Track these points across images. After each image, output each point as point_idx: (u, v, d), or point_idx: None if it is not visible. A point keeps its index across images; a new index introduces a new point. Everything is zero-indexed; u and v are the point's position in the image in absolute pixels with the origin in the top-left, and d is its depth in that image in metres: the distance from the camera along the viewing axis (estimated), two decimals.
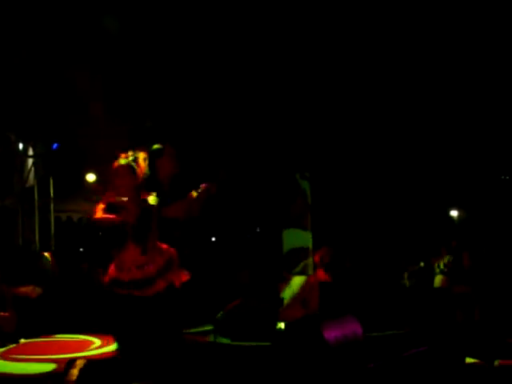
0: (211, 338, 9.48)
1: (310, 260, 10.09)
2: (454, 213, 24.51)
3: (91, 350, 9.27)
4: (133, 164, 5.79)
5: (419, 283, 13.82)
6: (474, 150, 20.70)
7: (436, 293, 12.77)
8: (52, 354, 8.94)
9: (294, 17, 15.17)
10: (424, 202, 21.28)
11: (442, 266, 13.19)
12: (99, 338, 9.95)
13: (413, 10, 16.03)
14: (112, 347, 8.98)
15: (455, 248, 13.34)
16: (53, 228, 13.76)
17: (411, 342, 7.63)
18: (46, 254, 11.91)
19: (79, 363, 5.85)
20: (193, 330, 9.97)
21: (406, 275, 14.74)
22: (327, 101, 16.84)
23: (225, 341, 9.16)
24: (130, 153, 5.91)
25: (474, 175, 21.94)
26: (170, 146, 7.71)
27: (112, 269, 5.71)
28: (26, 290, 7.07)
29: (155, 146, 7.69)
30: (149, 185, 7.44)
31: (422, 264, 14.83)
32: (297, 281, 9.97)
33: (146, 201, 5.83)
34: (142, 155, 8.37)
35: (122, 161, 5.79)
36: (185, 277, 6.04)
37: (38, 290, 6.98)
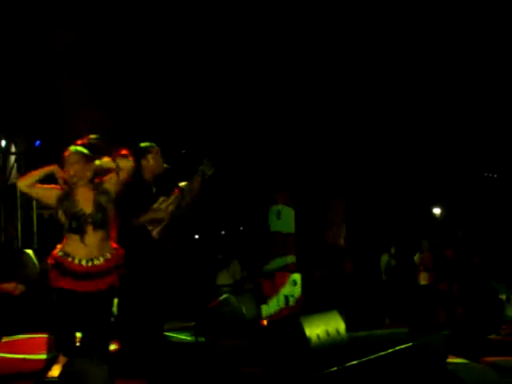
0: (192, 337, 9.48)
1: (293, 258, 10.07)
2: (436, 210, 24.59)
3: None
4: (85, 151, 5.76)
5: (401, 279, 13.85)
6: (457, 147, 20.78)
7: (420, 290, 12.81)
8: (35, 352, 8.93)
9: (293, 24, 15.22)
10: (407, 199, 21.34)
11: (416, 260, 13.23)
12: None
13: (413, 10, 16.09)
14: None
15: (438, 246, 13.38)
16: (35, 225, 13.71)
17: (393, 339, 7.65)
18: (28, 251, 11.84)
19: (61, 360, 5.81)
20: (173, 328, 9.98)
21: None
22: (309, 103, 16.89)
23: (206, 339, 9.16)
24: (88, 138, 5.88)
25: (457, 173, 22.02)
26: (156, 145, 7.71)
27: (59, 252, 5.66)
28: (8, 287, 7.01)
29: (141, 145, 7.68)
30: (134, 184, 7.44)
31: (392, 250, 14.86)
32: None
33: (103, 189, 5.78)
34: (123, 152, 8.34)
35: (73, 148, 5.77)
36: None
37: (21, 288, 6.93)
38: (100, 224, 5.61)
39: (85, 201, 5.64)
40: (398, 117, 19.05)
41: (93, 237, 5.59)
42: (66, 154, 5.74)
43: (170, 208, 7.48)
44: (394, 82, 18.01)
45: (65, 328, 5.68)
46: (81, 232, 5.56)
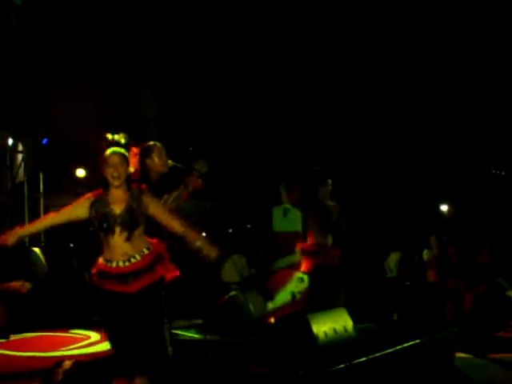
0: (200, 334, 9.48)
1: (298, 256, 10.07)
2: (444, 207, 24.54)
3: (84, 345, 9.28)
4: (125, 152, 5.76)
5: (412, 276, 13.84)
6: (464, 145, 20.75)
7: (428, 286, 12.80)
8: (42, 350, 8.95)
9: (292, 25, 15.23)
10: (414, 197, 21.30)
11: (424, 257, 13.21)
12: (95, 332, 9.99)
13: (413, 10, 16.09)
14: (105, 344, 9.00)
15: (444, 242, 13.37)
16: None
17: (402, 335, 7.63)
18: (35, 249, 11.87)
19: (66, 364, 5.82)
20: (182, 326, 9.98)
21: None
22: (317, 100, 16.88)
23: (214, 337, 9.15)
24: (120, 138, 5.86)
25: (465, 170, 21.99)
26: (161, 144, 7.73)
27: (100, 261, 5.69)
28: (15, 285, 7.03)
29: (147, 145, 7.70)
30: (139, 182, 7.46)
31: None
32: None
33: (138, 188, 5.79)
34: (134, 150, 8.39)
35: (115, 149, 5.74)
36: (174, 273, 6.00)
37: (28, 286, 6.94)
38: (128, 224, 5.61)
39: (117, 202, 5.65)
40: (407, 115, 19.04)
41: (123, 237, 5.60)
42: (107, 154, 5.70)
43: (173, 203, 7.51)
44: (402, 81, 18.00)
45: (116, 333, 5.69)
46: (110, 232, 5.57)
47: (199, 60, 15.42)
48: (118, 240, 5.60)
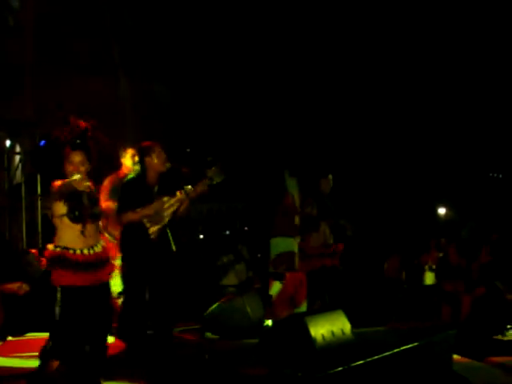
0: (199, 335, 9.46)
1: (296, 257, 10.09)
2: (441, 210, 24.54)
3: None
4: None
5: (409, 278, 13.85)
6: (462, 148, 20.76)
7: (425, 289, 12.81)
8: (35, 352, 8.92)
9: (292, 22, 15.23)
10: (412, 199, 21.30)
11: (430, 264, 13.22)
12: None
13: (413, 10, 16.10)
14: None
15: (443, 245, 13.37)
16: (40, 225, 13.70)
17: (399, 338, 7.63)
18: (33, 251, 11.86)
19: (53, 364, 5.82)
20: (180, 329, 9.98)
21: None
22: (318, 101, 16.88)
23: (212, 337, 9.15)
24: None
25: (463, 173, 22.00)
26: (159, 143, 7.77)
27: (53, 248, 5.73)
28: (12, 286, 7.03)
29: (147, 144, 7.74)
30: (136, 181, 7.49)
31: None
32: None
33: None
34: (130, 151, 8.41)
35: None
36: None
37: (25, 287, 6.94)
38: (97, 216, 5.73)
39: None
40: (404, 117, 19.05)
41: (90, 227, 5.68)
42: (67, 152, 5.81)
43: (171, 210, 7.52)
44: (399, 83, 18.01)
45: (69, 329, 5.68)
46: (82, 221, 5.62)
47: (198, 62, 15.42)
48: (87, 229, 5.67)
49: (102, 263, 5.77)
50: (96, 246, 5.77)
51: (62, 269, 5.60)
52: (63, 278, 5.60)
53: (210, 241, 17.14)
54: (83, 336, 5.71)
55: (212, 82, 15.64)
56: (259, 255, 15.22)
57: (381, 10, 16.11)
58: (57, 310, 5.64)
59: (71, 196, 5.64)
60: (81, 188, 5.54)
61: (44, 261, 5.78)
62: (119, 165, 8.91)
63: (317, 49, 16.26)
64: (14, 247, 13.09)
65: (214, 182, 7.45)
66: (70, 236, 5.67)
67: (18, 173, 13.75)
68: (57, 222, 5.68)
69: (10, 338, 10.05)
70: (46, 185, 13.88)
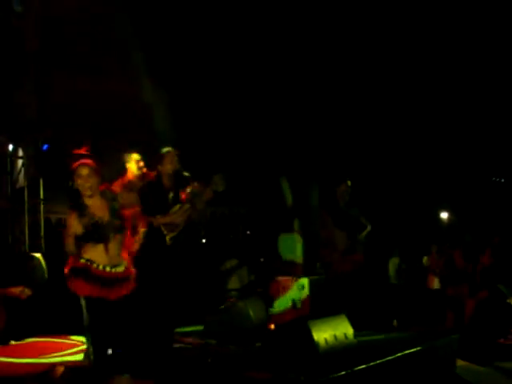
0: (202, 339, 9.46)
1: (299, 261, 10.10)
2: (444, 215, 24.53)
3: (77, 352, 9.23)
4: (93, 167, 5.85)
5: (411, 283, 13.83)
6: (464, 152, 20.75)
7: (429, 293, 12.80)
8: (42, 356, 8.92)
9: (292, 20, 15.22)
10: (414, 203, 21.28)
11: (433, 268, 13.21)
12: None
13: (413, 10, 16.08)
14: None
15: (447, 250, 13.35)
16: (42, 229, 13.71)
17: (402, 342, 7.63)
18: (35, 255, 11.85)
19: (58, 370, 5.84)
20: (182, 331, 9.97)
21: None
22: (318, 105, 16.87)
23: (214, 343, 9.14)
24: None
25: (465, 177, 21.98)
26: (173, 147, 7.81)
27: (77, 260, 5.75)
28: (15, 291, 7.03)
29: (161, 153, 7.79)
30: (153, 188, 7.53)
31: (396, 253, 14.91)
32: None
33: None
34: (134, 156, 8.43)
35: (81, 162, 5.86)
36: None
37: (28, 292, 6.94)
38: (119, 229, 5.73)
39: (98, 210, 5.74)
40: (406, 122, 19.04)
41: (114, 243, 5.70)
42: (76, 167, 5.82)
43: (185, 216, 7.57)
44: (401, 89, 18.01)
45: (102, 335, 5.73)
46: (103, 240, 5.66)
47: (198, 66, 15.42)
48: (110, 245, 5.69)
49: (121, 282, 5.80)
50: (119, 265, 5.81)
51: (82, 280, 5.66)
52: (82, 289, 5.66)
53: (213, 245, 17.15)
54: (114, 339, 5.78)
55: (214, 84, 15.63)
56: (262, 259, 15.21)
57: (381, 9, 16.09)
58: (84, 315, 5.71)
59: (87, 220, 5.67)
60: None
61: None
62: (124, 170, 8.90)
63: (320, 54, 16.25)
64: (17, 251, 13.09)
65: (219, 191, 7.49)
66: (94, 251, 5.73)
67: (21, 177, 13.73)
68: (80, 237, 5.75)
69: (12, 342, 10.05)
70: (49, 189, 13.90)
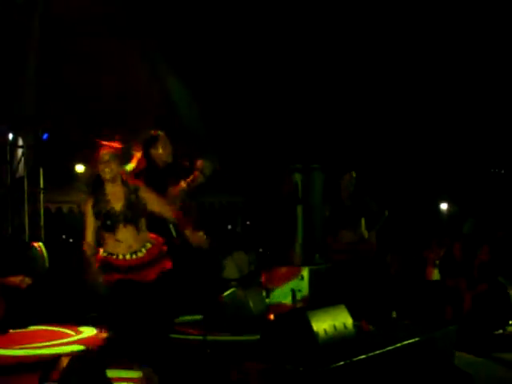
0: (201, 329, 9.46)
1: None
2: (443, 206, 24.52)
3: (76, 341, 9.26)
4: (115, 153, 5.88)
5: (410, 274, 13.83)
6: (464, 143, 20.74)
7: (427, 285, 12.79)
8: (41, 345, 8.94)
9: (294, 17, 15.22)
10: (413, 195, 21.28)
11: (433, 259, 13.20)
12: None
13: (413, 10, 16.09)
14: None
15: (446, 242, 13.34)
16: (42, 219, 13.73)
17: (401, 333, 7.64)
18: (35, 244, 11.87)
19: (63, 360, 5.83)
20: (182, 320, 9.98)
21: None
22: (322, 98, 16.89)
23: (213, 333, 9.15)
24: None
25: (464, 169, 21.98)
26: (165, 134, 7.75)
27: (101, 253, 5.80)
28: (15, 280, 7.03)
29: (152, 134, 7.72)
30: (147, 172, 7.47)
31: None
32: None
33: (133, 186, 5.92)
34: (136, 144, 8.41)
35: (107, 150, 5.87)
36: (168, 265, 6.11)
37: (28, 281, 6.94)
38: (130, 220, 5.75)
39: (115, 199, 5.78)
40: (405, 114, 19.04)
41: (126, 232, 5.72)
42: (100, 153, 5.85)
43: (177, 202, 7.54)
44: (399, 80, 18.01)
45: (122, 318, 5.75)
46: (113, 229, 5.69)
47: (199, 58, 15.42)
48: (121, 235, 5.72)
49: (145, 266, 5.81)
50: (140, 250, 5.81)
51: (106, 272, 5.70)
52: (109, 278, 5.71)
53: (212, 235, 17.16)
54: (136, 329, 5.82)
55: (214, 75, 15.62)
56: (261, 249, 15.23)
57: (381, 9, 16.11)
58: (110, 303, 5.76)
59: (102, 206, 5.71)
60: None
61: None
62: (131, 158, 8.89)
63: (321, 48, 16.26)
64: (17, 240, 13.11)
65: (206, 175, 7.44)
66: (110, 242, 5.79)
67: (21, 166, 13.75)
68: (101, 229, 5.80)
69: (11, 330, 10.07)
70: (49, 178, 13.91)
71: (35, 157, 13.73)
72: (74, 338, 9.42)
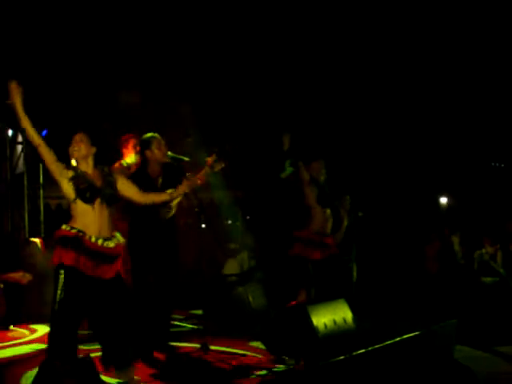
0: (201, 324, 9.48)
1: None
2: (443, 200, 24.51)
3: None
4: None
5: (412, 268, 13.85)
6: (464, 137, 20.74)
7: (428, 278, 12.82)
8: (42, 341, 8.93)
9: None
10: (412, 189, 21.28)
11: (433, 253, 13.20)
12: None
13: (413, 10, 16.09)
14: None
15: (446, 235, 13.37)
16: (42, 215, 13.74)
17: (401, 327, 7.65)
18: (35, 240, 11.89)
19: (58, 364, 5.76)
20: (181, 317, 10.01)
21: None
22: (320, 93, 16.89)
23: (213, 328, 9.16)
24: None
25: (465, 163, 21.97)
26: (160, 135, 7.77)
27: (69, 229, 5.68)
28: (15, 276, 7.03)
29: (145, 136, 7.75)
30: (138, 175, 7.49)
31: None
32: None
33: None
34: (132, 141, 8.42)
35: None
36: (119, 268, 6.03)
37: (28, 277, 6.94)
38: (109, 199, 5.73)
39: (93, 176, 5.79)
40: (404, 107, 19.04)
41: (104, 213, 5.68)
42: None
43: (176, 201, 7.57)
44: (398, 72, 18.00)
45: (70, 317, 5.59)
46: (92, 201, 5.64)
47: (198, 53, 15.41)
48: (94, 213, 5.67)
49: (109, 259, 5.69)
50: (110, 240, 5.72)
51: (71, 249, 5.56)
52: (67, 257, 5.53)
53: (213, 230, 17.16)
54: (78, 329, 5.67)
55: (213, 70, 15.62)
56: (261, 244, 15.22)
57: (381, 9, 16.10)
58: (58, 293, 5.54)
59: (75, 178, 5.71)
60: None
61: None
62: (121, 155, 8.89)
63: (321, 48, 16.27)
64: (17, 236, 13.12)
65: (216, 170, 7.42)
66: (85, 221, 5.66)
67: (20, 162, 13.75)
68: (72, 206, 5.70)
69: (11, 327, 10.09)
70: (48, 174, 13.92)
71: (35, 153, 13.72)
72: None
